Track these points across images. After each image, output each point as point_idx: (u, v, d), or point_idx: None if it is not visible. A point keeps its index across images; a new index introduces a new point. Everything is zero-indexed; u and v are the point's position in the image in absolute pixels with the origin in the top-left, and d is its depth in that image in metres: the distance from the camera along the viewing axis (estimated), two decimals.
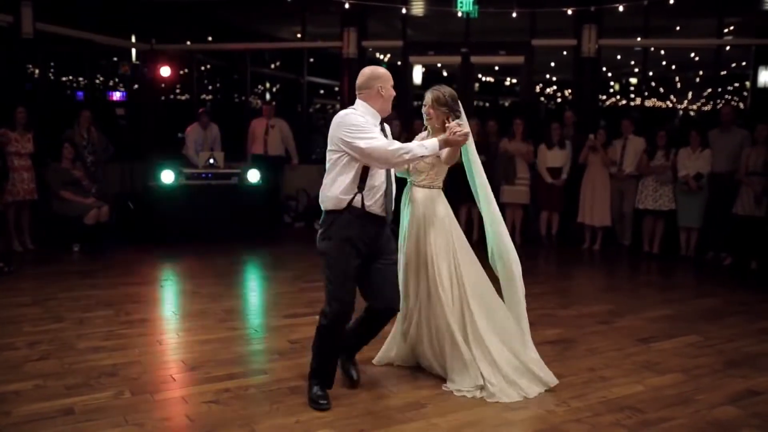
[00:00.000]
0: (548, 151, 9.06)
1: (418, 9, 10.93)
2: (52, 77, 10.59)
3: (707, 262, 8.34)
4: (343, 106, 4.49)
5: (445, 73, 14.61)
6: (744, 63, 11.28)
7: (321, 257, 3.75)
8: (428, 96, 4.13)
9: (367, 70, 3.86)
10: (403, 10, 10.36)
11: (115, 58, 11.26)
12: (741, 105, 11.55)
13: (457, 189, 9.14)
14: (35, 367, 4.26)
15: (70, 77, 11.15)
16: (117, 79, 11.40)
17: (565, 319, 5.64)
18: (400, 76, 11.27)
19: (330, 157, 3.75)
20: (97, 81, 11.12)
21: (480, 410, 3.74)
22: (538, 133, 9.50)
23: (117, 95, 10.97)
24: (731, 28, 10.66)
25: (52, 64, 10.47)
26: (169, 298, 6.38)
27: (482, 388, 3.92)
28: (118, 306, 5.75)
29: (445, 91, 4.13)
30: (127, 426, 3.45)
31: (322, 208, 3.78)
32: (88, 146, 8.79)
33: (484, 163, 9.24)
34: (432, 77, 14.43)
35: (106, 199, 8.41)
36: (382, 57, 12.82)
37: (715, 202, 8.21)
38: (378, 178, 3.75)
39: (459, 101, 4.17)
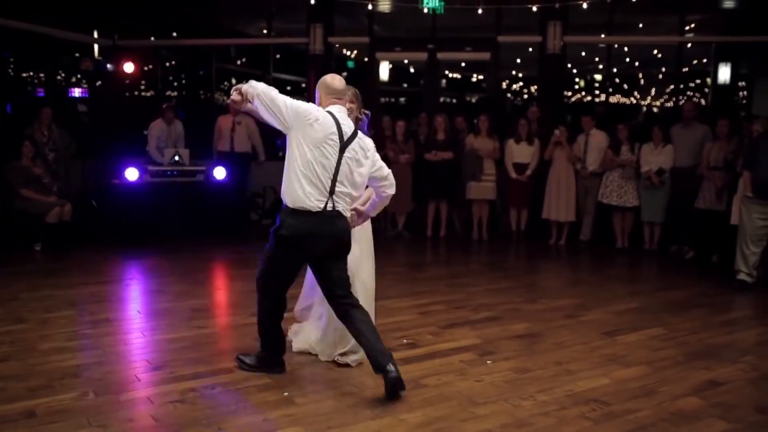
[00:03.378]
0: (516, 146, 9.12)
1: (384, 5, 10.92)
2: (11, 73, 10.37)
3: (670, 255, 8.48)
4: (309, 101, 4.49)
5: (411, 70, 14.65)
6: (705, 60, 11.47)
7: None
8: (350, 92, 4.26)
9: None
10: (370, 6, 10.34)
11: (77, 54, 11.05)
12: (702, 101, 11.74)
13: (424, 185, 9.27)
14: None
15: (30, 73, 10.93)
16: (79, 76, 11.19)
17: (533, 314, 5.68)
18: (367, 72, 11.26)
19: None
20: (59, 77, 10.91)
21: (447, 405, 3.75)
22: (504, 128, 9.56)
23: (78, 92, 10.78)
24: (692, 25, 10.83)
25: (11, 60, 10.25)
26: (133, 297, 6.30)
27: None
28: (82, 306, 5.66)
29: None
30: (91, 428, 3.40)
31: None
32: (49, 143, 8.63)
33: (452, 160, 9.26)
34: (398, 73, 14.48)
35: (68, 198, 8.25)
36: (348, 53, 12.79)
37: (678, 196, 8.34)
38: None
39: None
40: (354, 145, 3.90)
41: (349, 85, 4.26)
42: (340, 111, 3.97)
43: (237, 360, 4.29)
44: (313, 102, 4.04)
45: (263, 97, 3.81)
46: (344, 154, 3.85)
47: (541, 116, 9.56)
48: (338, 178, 3.84)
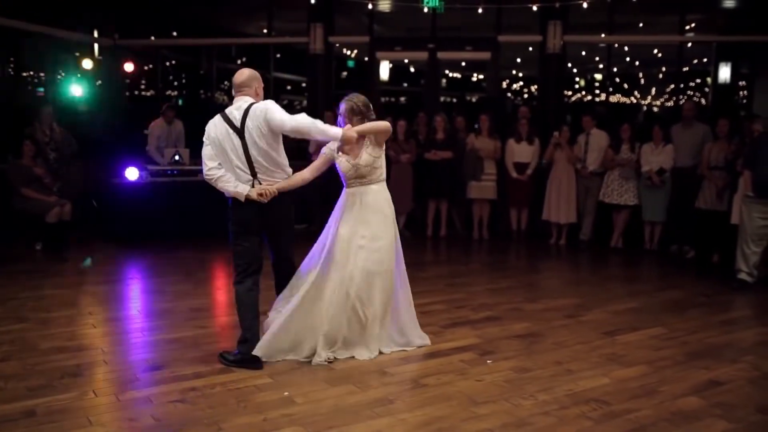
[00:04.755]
0: (516, 146, 9.11)
1: (384, 4, 10.92)
2: (11, 72, 10.36)
3: (671, 255, 8.47)
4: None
5: (412, 69, 14.64)
6: (705, 59, 11.47)
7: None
8: (342, 106, 4.49)
9: (248, 71, 4.40)
10: (370, 6, 10.35)
11: (77, 54, 11.05)
12: (703, 101, 11.75)
13: (424, 185, 9.26)
14: None
15: (31, 72, 10.92)
16: (79, 75, 11.18)
17: (533, 313, 5.68)
18: (367, 71, 11.27)
19: None
20: (59, 77, 10.90)
21: (447, 404, 3.75)
22: (504, 128, 9.55)
23: (79, 91, 10.78)
24: (693, 25, 10.83)
25: (12, 59, 10.25)
26: (133, 296, 6.30)
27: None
28: (82, 305, 5.67)
29: (358, 100, 4.49)
30: (92, 427, 3.40)
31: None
32: (50, 143, 8.61)
33: (452, 160, 9.29)
34: (399, 73, 14.48)
35: (68, 197, 8.24)
36: (348, 53, 12.79)
37: (678, 196, 8.33)
38: None
39: (370, 106, 4.56)
40: (248, 123, 4.18)
41: (352, 96, 4.50)
42: (235, 102, 4.32)
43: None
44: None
45: None
46: (245, 136, 4.18)
47: (532, 116, 9.52)
48: (252, 159, 4.23)
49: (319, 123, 4.17)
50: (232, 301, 6.09)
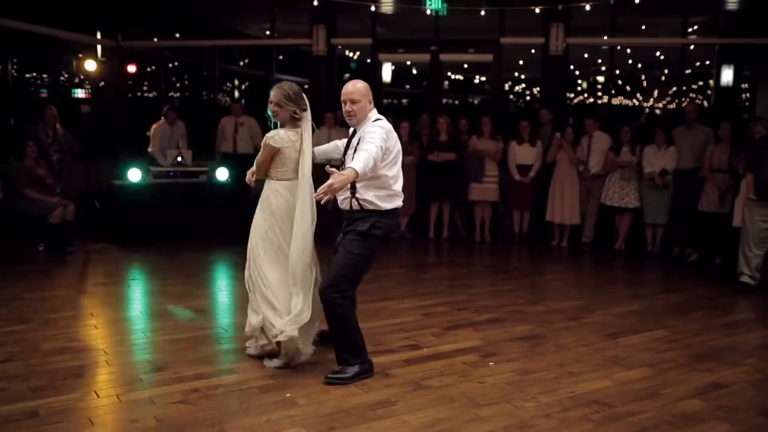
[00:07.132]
0: (518, 148, 9.10)
1: (387, 6, 10.93)
2: (14, 74, 10.39)
3: (673, 258, 8.46)
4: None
5: (414, 71, 14.65)
6: (708, 62, 11.47)
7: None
8: (273, 93, 4.30)
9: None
10: (373, 8, 10.35)
11: (80, 55, 11.08)
12: (705, 103, 11.74)
13: (427, 186, 9.26)
14: None
15: (34, 74, 10.95)
16: (82, 76, 11.21)
17: (535, 315, 5.68)
18: (370, 73, 11.27)
19: None
20: (62, 78, 10.93)
21: (449, 406, 3.75)
22: (507, 130, 9.55)
23: (81, 93, 10.80)
24: (695, 27, 10.83)
25: (14, 60, 10.27)
26: (136, 297, 6.30)
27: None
28: (85, 306, 5.67)
29: (290, 87, 4.32)
30: (93, 428, 3.40)
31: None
32: (53, 144, 8.63)
33: (455, 162, 9.29)
34: (401, 75, 14.49)
35: (71, 198, 8.25)
36: (351, 54, 12.80)
37: (680, 198, 8.32)
38: None
39: (304, 96, 4.38)
40: None
41: (284, 84, 4.38)
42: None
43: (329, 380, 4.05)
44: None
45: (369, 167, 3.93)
46: None
47: (534, 119, 9.51)
48: None
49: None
50: (234, 302, 6.14)
